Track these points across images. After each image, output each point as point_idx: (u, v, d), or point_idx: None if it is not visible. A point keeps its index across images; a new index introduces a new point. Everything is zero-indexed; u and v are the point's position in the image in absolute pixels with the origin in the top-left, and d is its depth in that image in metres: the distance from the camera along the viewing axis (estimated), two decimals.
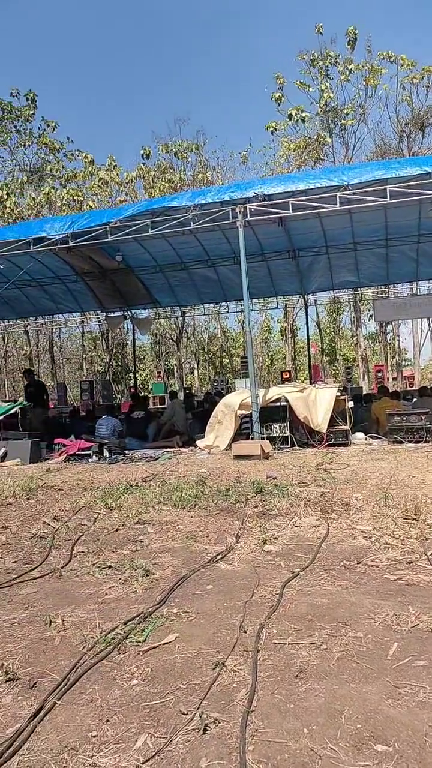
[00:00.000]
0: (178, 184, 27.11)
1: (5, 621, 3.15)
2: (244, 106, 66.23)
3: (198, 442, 11.45)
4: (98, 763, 1.90)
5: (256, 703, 2.22)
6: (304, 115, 25.35)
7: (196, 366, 40.98)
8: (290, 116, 25.32)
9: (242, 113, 64.63)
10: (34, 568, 4.15)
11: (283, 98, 25.35)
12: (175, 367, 38.52)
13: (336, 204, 10.24)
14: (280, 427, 10.55)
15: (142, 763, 1.88)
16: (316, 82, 25.65)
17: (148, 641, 2.80)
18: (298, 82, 25.69)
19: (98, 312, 20.58)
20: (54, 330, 30.42)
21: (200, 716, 2.09)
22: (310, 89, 25.78)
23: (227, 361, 41.12)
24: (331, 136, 26.57)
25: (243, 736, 1.97)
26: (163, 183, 26.14)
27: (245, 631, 2.85)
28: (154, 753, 1.93)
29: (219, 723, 2.09)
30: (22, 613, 3.28)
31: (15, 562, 4.35)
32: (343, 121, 26.37)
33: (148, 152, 26.65)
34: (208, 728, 2.05)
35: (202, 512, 5.66)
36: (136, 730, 2.09)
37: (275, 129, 25.98)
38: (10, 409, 11.26)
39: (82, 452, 10.80)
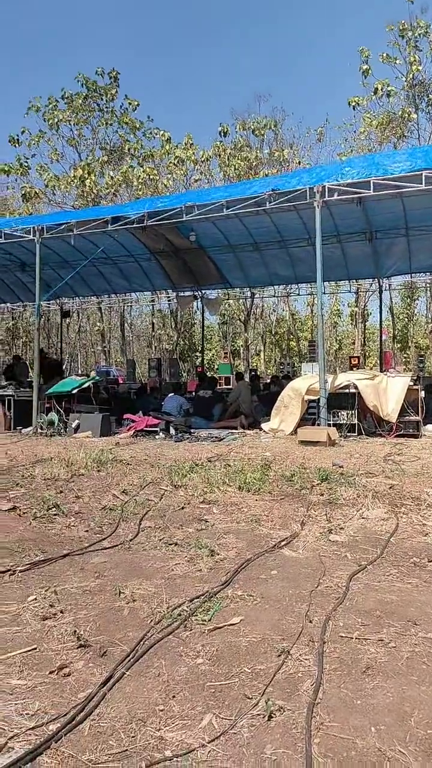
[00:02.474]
0: (254, 163, 26.70)
1: (78, 588, 3.29)
2: (323, 83, 63.99)
3: (263, 425, 11.42)
4: (165, 737, 1.94)
5: (322, 695, 2.20)
6: (390, 89, 24.14)
7: (262, 348, 40.74)
8: (376, 90, 24.19)
9: (320, 90, 62.51)
10: (105, 539, 4.30)
11: (369, 71, 24.23)
12: (241, 348, 38.49)
13: (421, 183, 9.72)
14: (347, 414, 10.32)
15: (208, 743, 1.91)
16: (404, 54, 24.30)
17: (213, 621, 2.84)
18: (384, 55, 24.42)
19: (169, 291, 20.83)
20: (125, 307, 31.14)
21: (266, 702, 2.09)
22: (397, 62, 24.45)
23: (294, 344, 40.59)
24: (416, 111, 25.18)
25: (308, 727, 1.96)
26: (239, 161, 25.81)
27: (311, 621, 2.82)
28: (219, 734, 1.95)
29: (284, 711, 2.08)
30: (94, 581, 3.40)
31: (87, 531, 4.53)
32: (430, 96, 24.91)
33: (225, 130, 26.33)
34: (273, 715, 2.05)
35: (266, 496, 5.65)
36: (201, 708, 2.12)
37: (357, 104, 24.93)
38: (84, 383, 11.66)
39: (150, 428, 11.04)
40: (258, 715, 2.06)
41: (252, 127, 27.35)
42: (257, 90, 53.95)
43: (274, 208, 11.22)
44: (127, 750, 1.88)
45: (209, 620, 2.84)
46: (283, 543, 4.14)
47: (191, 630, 2.75)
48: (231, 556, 3.88)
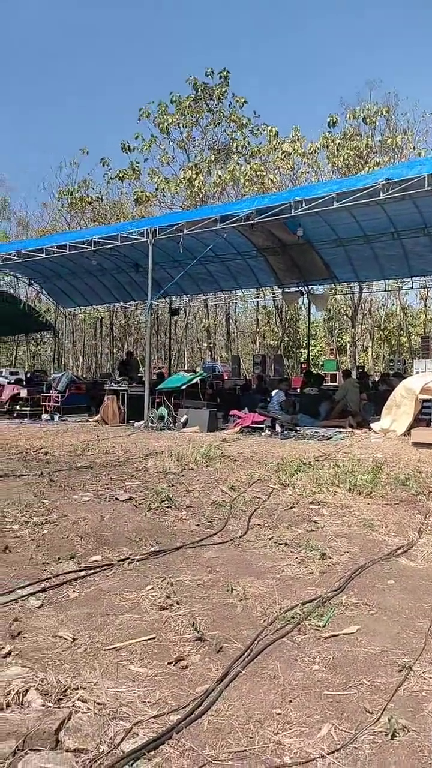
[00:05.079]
0: (364, 151, 25.72)
1: (192, 581, 3.37)
2: None
3: (372, 425, 11.02)
4: (283, 742, 1.93)
5: None
6: None
7: (370, 344, 39.24)
8: None
9: None
10: (215, 534, 4.37)
11: None
12: (347, 344, 37.38)
13: None
14: None
15: (327, 754, 1.86)
16: None
17: (327, 627, 2.77)
18: None
19: (273, 287, 20.72)
20: (230, 304, 31.49)
21: (388, 720, 2.00)
22: None
23: (405, 339, 38.64)
24: None
25: None
26: (348, 151, 24.99)
27: None
28: (339, 746, 1.90)
29: (408, 731, 1.98)
30: (206, 576, 3.47)
31: (198, 525, 4.63)
32: None
33: (334, 120, 25.61)
34: (396, 734, 1.95)
35: (379, 500, 5.43)
36: (319, 717, 2.07)
37: None
38: (192, 379, 11.97)
39: (255, 425, 11.08)
40: (380, 732, 1.98)
41: (362, 114, 26.34)
42: (368, 77, 51.75)
43: (387, 198, 10.74)
44: (245, 750, 1.88)
45: (324, 626, 2.78)
46: (399, 551, 3.95)
47: (305, 635, 2.71)
48: (343, 561, 3.78)
